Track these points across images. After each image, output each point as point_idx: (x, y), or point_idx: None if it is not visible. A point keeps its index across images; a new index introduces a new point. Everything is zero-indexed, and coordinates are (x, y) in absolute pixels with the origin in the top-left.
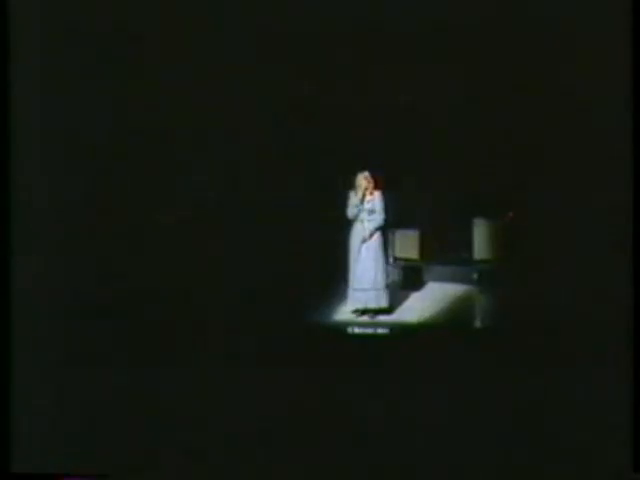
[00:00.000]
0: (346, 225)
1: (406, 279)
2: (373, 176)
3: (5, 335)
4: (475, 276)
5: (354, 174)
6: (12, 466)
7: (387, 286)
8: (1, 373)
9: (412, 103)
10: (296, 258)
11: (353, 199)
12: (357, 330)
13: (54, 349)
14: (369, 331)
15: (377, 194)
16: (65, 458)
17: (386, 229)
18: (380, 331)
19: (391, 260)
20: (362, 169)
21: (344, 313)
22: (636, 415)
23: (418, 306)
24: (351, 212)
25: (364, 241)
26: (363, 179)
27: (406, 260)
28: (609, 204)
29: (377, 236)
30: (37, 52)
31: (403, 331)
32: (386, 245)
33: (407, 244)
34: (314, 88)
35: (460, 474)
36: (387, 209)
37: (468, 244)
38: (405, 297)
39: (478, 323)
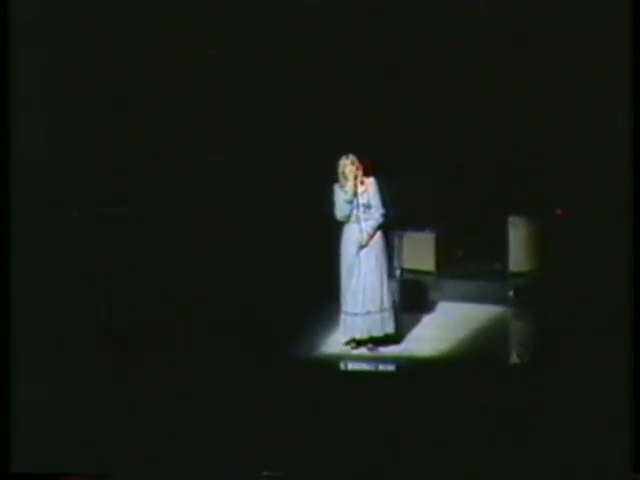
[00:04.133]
0: (335, 228)
1: (417, 298)
2: (360, 159)
3: (5, 335)
4: (510, 294)
5: (333, 159)
6: (12, 466)
7: (393, 306)
8: (1, 373)
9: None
10: (271, 275)
11: (340, 193)
12: (353, 366)
13: (54, 349)
14: (369, 367)
15: (370, 182)
16: (65, 458)
17: (390, 230)
18: (383, 368)
19: (398, 273)
20: (344, 151)
21: (336, 345)
22: (636, 415)
23: (432, 334)
24: (341, 211)
25: (362, 246)
26: (350, 165)
27: (417, 272)
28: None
29: (378, 238)
30: (38, 53)
31: (413, 367)
32: (390, 250)
33: (419, 251)
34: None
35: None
36: (385, 200)
37: (501, 251)
38: (415, 322)
39: (514, 357)
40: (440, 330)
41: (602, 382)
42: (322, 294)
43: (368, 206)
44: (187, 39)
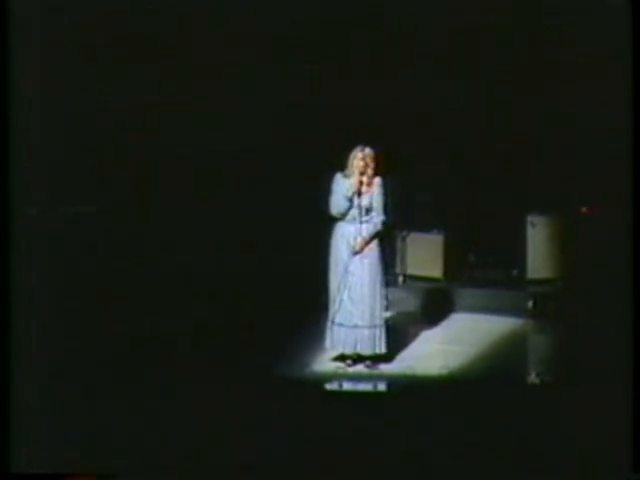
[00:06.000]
0: (328, 225)
1: (422, 309)
2: (375, 157)
3: (5, 335)
4: (529, 304)
5: (346, 150)
6: (12, 466)
7: (386, 322)
8: (1, 374)
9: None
10: (252, 279)
11: (341, 185)
12: (348, 386)
13: (54, 350)
14: (367, 388)
15: (377, 182)
16: (65, 458)
17: (392, 232)
18: (382, 388)
19: (400, 280)
20: (359, 143)
21: (324, 361)
22: (636, 415)
23: (440, 350)
24: (337, 206)
25: (356, 252)
26: (360, 159)
27: (423, 279)
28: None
29: (374, 245)
30: (38, 52)
31: (411, 389)
32: (391, 254)
33: (425, 255)
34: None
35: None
36: (387, 205)
37: (519, 255)
38: (420, 336)
39: (533, 377)
40: (448, 345)
41: (602, 382)
42: (315, 303)
43: (369, 209)
44: (188, 33)
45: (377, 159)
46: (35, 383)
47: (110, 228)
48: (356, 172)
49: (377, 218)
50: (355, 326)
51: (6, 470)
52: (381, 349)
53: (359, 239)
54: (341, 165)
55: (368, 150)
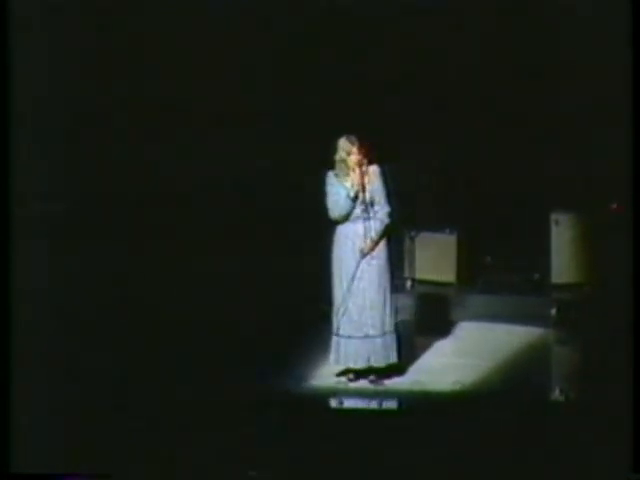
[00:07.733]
0: (328, 228)
1: (432, 317)
2: (364, 143)
3: (5, 336)
4: (553, 312)
5: (331, 139)
6: (12, 466)
7: (396, 329)
8: (1, 374)
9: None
10: (254, 287)
11: (338, 186)
12: (350, 404)
13: (54, 350)
14: (371, 405)
15: (373, 172)
16: (65, 458)
17: (400, 231)
18: (389, 405)
19: (408, 284)
20: (344, 130)
21: (330, 376)
22: (636, 415)
23: (452, 363)
24: (340, 208)
25: (363, 254)
26: (357, 153)
27: (434, 284)
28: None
29: (382, 246)
30: (38, 52)
31: (427, 405)
32: (398, 256)
33: (436, 256)
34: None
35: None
36: (390, 194)
37: (541, 257)
38: (430, 348)
39: (557, 393)
40: (462, 358)
41: (602, 382)
42: (313, 312)
43: (371, 202)
44: (188, 33)
45: (367, 147)
46: (35, 383)
47: (110, 228)
48: (357, 167)
49: (382, 212)
50: (366, 336)
51: (6, 470)
52: (393, 358)
53: (368, 240)
54: (327, 163)
55: (354, 138)
